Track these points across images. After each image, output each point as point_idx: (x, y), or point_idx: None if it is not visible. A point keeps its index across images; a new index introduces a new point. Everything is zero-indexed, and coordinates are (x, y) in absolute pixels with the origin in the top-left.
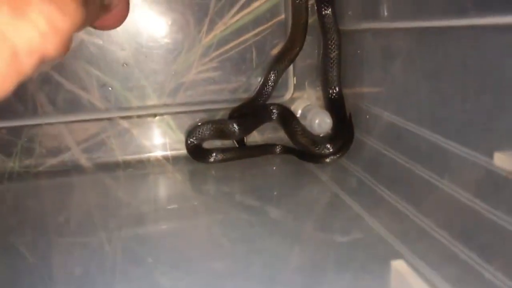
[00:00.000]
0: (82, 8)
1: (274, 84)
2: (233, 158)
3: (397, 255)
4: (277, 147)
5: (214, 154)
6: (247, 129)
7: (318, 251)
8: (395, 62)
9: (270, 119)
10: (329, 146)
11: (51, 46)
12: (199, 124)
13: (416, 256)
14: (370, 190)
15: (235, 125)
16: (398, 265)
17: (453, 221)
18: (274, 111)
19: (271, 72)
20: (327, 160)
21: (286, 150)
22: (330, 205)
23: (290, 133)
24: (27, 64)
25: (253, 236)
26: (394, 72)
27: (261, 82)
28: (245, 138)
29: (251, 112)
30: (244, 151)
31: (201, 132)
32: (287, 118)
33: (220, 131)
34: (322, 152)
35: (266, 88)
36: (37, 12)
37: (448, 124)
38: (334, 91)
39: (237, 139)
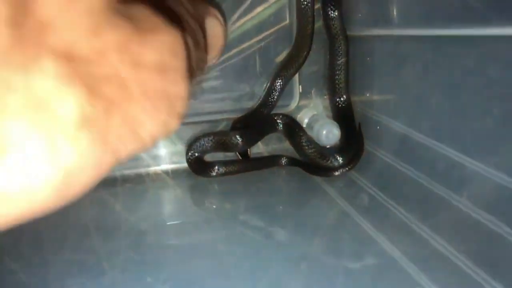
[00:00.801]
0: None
1: (279, 92)
2: (237, 171)
3: (415, 284)
4: (283, 158)
5: (216, 167)
6: (250, 141)
7: (328, 278)
8: (408, 71)
9: (275, 130)
10: (338, 158)
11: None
12: (200, 136)
13: (436, 285)
14: (382, 207)
15: (237, 137)
16: None
17: (475, 246)
18: (279, 121)
19: (277, 80)
20: (336, 173)
21: (292, 162)
22: (339, 225)
23: (297, 145)
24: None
25: (257, 259)
26: (407, 82)
27: (265, 91)
28: (248, 150)
29: (255, 123)
30: (248, 164)
31: (202, 145)
32: (293, 129)
33: (222, 143)
34: (331, 165)
35: (271, 97)
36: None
37: (468, 139)
38: (342, 99)
39: (239, 151)
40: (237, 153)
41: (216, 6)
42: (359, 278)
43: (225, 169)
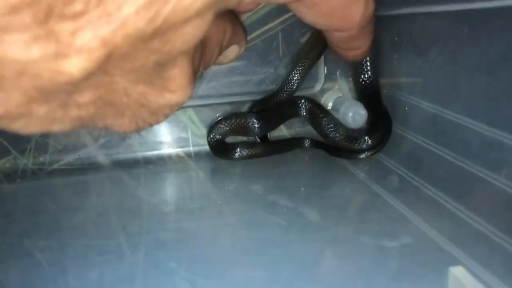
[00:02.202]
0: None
1: (302, 75)
2: (260, 154)
3: (455, 261)
4: (306, 140)
5: (239, 150)
6: (269, 125)
7: (366, 258)
8: (441, 49)
9: (297, 115)
10: (367, 140)
11: None
12: (221, 118)
13: (476, 262)
14: (413, 188)
15: (255, 121)
16: (458, 272)
17: None
18: (302, 106)
19: (301, 62)
20: (363, 155)
21: (315, 144)
22: (371, 205)
23: (322, 130)
24: None
25: (287, 239)
26: (439, 60)
27: (289, 73)
28: (268, 134)
29: (276, 106)
30: (272, 146)
31: (222, 128)
32: (317, 114)
33: (241, 127)
34: (359, 147)
35: (294, 81)
36: None
37: (507, 116)
38: (369, 80)
39: (258, 136)
40: (256, 137)
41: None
42: (398, 257)
43: (247, 151)
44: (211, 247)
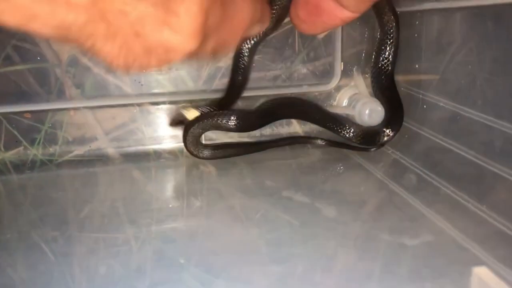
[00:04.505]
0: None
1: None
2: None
3: (478, 261)
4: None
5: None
6: (248, 126)
7: (387, 255)
8: (462, 45)
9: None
10: (388, 132)
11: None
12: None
13: (501, 263)
14: (432, 186)
15: (232, 119)
16: (482, 272)
17: None
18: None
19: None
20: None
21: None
22: (389, 203)
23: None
24: None
25: (302, 236)
26: (460, 57)
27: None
28: None
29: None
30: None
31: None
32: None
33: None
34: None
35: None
36: None
37: None
38: (388, 77)
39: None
40: None
41: None
42: (419, 254)
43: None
44: (221, 243)
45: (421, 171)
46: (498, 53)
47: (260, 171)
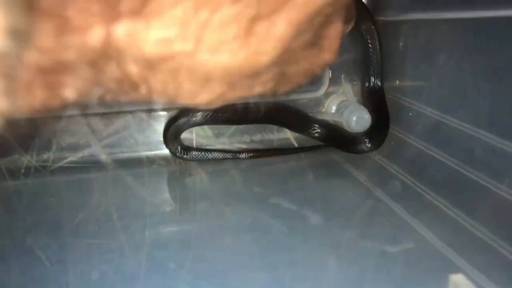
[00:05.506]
0: None
1: None
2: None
3: (455, 268)
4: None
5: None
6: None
7: (367, 262)
8: (445, 56)
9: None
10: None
11: None
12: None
13: (477, 270)
14: (415, 194)
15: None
16: (458, 279)
17: None
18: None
19: None
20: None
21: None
22: (373, 210)
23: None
24: None
25: (288, 243)
26: (443, 67)
27: None
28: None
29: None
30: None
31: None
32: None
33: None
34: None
35: None
36: None
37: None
38: (375, 84)
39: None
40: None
41: None
42: (399, 262)
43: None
44: (213, 249)
45: (407, 178)
46: (481, 64)
47: (251, 178)
